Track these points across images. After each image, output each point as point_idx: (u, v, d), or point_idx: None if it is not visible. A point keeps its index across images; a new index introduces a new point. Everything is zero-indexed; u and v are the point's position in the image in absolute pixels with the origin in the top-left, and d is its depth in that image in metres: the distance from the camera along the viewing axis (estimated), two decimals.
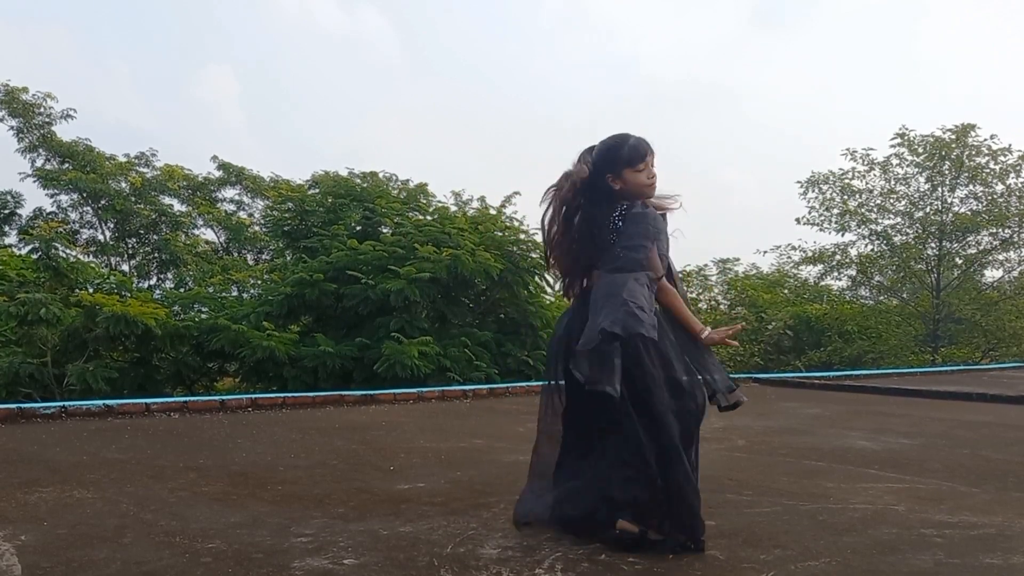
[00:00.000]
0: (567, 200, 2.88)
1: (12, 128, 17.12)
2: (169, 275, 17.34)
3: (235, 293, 14.38)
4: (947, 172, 18.59)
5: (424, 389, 7.62)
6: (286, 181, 16.06)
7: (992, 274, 20.30)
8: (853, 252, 19.62)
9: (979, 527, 3.01)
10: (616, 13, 69.97)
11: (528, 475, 3.01)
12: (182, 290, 14.55)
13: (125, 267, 17.67)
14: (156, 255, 17.69)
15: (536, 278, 12.11)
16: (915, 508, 3.30)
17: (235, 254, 18.38)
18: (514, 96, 69.44)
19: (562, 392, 2.90)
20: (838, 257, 19.71)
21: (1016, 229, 18.44)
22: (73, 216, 17.78)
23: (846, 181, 19.40)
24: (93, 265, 14.89)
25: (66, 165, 17.06)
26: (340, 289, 10.96)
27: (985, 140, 18.32)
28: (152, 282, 17.48)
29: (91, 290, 11.42)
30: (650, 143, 2.88)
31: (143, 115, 46.94)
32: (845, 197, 19.39)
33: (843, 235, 19.47)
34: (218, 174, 19.39)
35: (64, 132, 17.43)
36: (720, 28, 65.94)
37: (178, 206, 18.35)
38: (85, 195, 16.85)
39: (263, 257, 18.24)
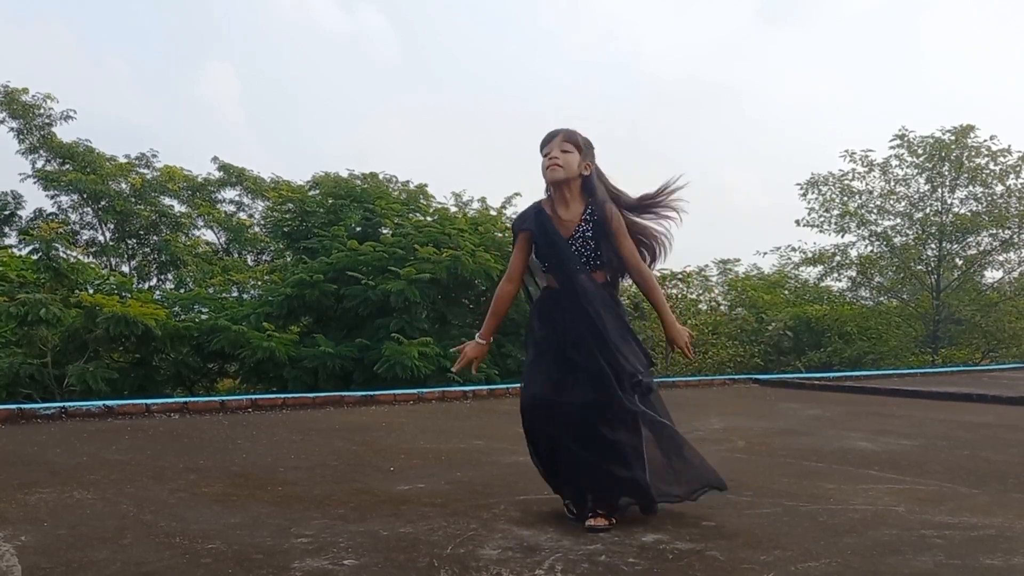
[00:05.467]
0: None
1: (12, 130, 17.14)
2: (169, 276, 17.35)
3: (235, 294, 14.38)
4: (947, 173, 18.58)
5: (424, 390, 7.61)
6: (286, 182, 16.05)
7: (992, 275, 20.34)
8: (853, 253, 19.65)
9: (979, 528, 3.00)
10: (617, 11, 70.02)
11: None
12: (182, 291, 14.56)
13: (125, 268, 17.67)
14: (156, 256, 17.69)
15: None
16: (915, 509, 3.29)
17: (235, 255, 18.38)
18: (515, 96, 69.46)
19: None
20: (838, 258, 19.71)
21: (1016, 230, 18.44)
22: (73, 217, 17.78)
23: (846, 182, 19.41)
24: (93, 266, 14.90)
25: (66, 166, 17.04)
26: (340, 290, 10.96)
27: (985, 141, 18.36)
28: (152, 283, 17.49)
29: (91, 291, 11.42)
30: (562, 130, 3.06)
31: (143, 113, 46.94)
32: (845, 198, 19.39)
33: (843, 236, 19.50)
34: (218, 175, 19.39)
35: (64, 132, 17.46)
36: (722, 26, 65.98)
37: (178, 207, 18.36)
38: (85, 196, 16.85)
39: (263, 258, 18.24)
